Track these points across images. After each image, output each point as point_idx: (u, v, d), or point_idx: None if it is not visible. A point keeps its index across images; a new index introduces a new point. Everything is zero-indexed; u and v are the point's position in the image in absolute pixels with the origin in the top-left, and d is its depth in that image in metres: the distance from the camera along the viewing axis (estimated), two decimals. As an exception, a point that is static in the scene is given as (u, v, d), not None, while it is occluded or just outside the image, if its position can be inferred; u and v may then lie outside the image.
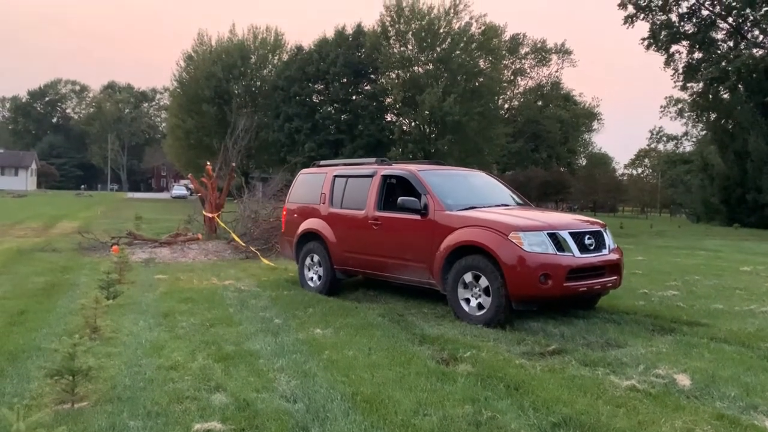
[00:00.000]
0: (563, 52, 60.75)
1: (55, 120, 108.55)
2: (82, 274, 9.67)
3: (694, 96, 36.21)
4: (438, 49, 43.10)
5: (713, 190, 33.63)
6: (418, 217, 7.12)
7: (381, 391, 4.24)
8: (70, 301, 7.36)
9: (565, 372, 4.75)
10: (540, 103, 59.97)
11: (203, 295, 7.97)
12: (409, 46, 44.36)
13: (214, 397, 4.14)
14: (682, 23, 33.33)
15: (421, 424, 3.69)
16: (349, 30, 46.73)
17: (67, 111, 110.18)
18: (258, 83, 49.40)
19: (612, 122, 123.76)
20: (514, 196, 8.29)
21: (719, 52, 32.84)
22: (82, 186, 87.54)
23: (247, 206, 14.88)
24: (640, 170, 67.05)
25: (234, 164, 16.87)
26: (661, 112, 56.54)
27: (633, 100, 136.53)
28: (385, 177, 7.94)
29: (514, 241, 6.17)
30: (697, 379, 4.57)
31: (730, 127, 33.64)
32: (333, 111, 45.90)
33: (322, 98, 47.34)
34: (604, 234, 6.88)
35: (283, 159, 43.01)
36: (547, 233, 6.30)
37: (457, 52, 43.00)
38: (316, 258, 8.56)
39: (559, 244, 6.27)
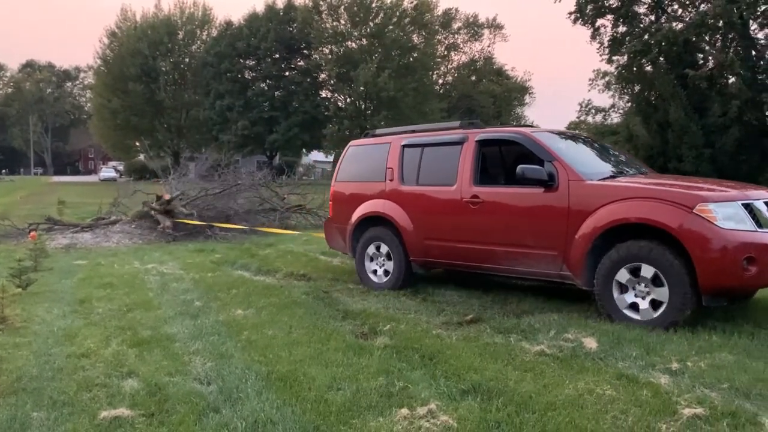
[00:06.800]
0: (495, 26, 61.16)
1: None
2: (-5, 262, 9.23)
3: (619, 69, 37.07)
4: (371, 24, 42.90)
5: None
6: (540, 190, 5.66)
7: (297, 368, 4.25)
8: (-21, 291, 7.02)
9: (479, 340, 4.88)
10: (473, 78, 60.41)
11: (123, 279, 7.76)
12: (342, 21, 43.98)
13: (125, 383, 4.05)
14: (606, -3, 34.10)
15: (333, 398, 3.73)
16: (280, 4, 45.90)
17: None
18: (187, 60, 48.07)
19: (543, 96, 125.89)
20: (637, 163, 6.89)
21: (642, 25, 33.77)
22: (3, 171, 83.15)
23: (174, 187, 14.51)
24: (571, 142, 68.67)
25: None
26: (590, 84, 57.69)
27: (563, 74, 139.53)
28: (481, 143, 6.41)
29: (702, 215, 4.77)
30: (603, 341, 4.75)
31: (653, 98, 34.78)
32: (266, 87, 45.23)
33: (254, 75, 46.54)
34: None
35: (215, 137, 42.13)
36: (742, 204, 4.93)
37: (390, 27, 42.98)
38: (381, 248, 7.10)
39: (755, 217, 4.90)
